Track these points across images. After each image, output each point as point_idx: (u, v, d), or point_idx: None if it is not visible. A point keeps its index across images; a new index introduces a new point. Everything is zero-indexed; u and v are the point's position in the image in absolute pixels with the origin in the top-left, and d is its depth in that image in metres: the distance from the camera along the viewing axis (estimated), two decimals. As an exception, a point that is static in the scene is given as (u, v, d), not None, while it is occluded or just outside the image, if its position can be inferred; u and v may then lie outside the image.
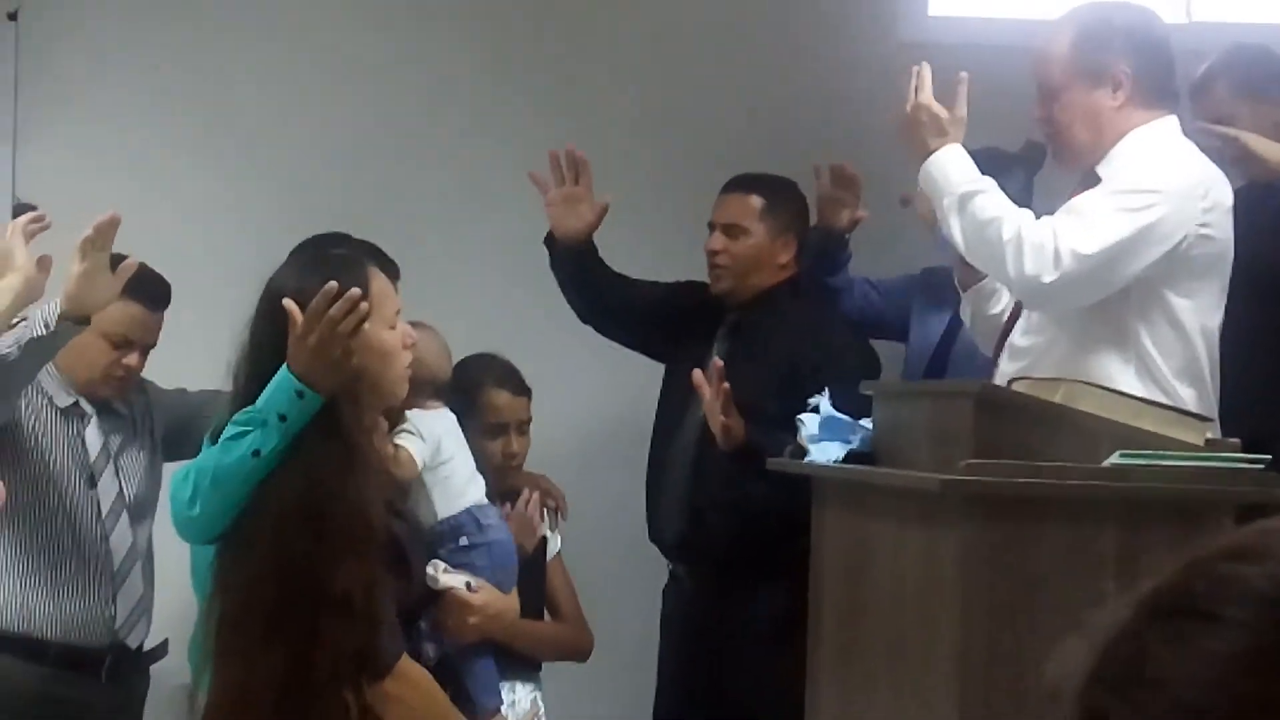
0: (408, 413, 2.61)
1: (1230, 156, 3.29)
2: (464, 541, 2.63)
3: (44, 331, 2.89)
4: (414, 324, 2.60)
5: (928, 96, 2.92)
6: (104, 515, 3.30)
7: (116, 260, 2.96)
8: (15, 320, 2.95)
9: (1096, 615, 0.81)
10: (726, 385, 3.29)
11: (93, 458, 3.31)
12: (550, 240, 3.71)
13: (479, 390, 3.42)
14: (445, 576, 2.54)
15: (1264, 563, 0.76)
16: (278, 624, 2.28)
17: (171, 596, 3.47)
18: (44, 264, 3.00)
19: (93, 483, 3.30)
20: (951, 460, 2.47)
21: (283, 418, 2.30)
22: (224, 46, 4.16)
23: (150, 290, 3.32)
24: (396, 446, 2.57)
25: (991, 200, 2.84)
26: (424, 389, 2.68)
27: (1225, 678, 0.73)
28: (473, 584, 2.55)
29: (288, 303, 2.33)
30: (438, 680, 2.54)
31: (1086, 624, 0.81)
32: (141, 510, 3.39)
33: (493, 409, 3.41)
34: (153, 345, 3.38)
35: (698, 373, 3.35)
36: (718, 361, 3.33)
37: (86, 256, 2.87)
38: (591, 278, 3.71)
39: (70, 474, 3.27)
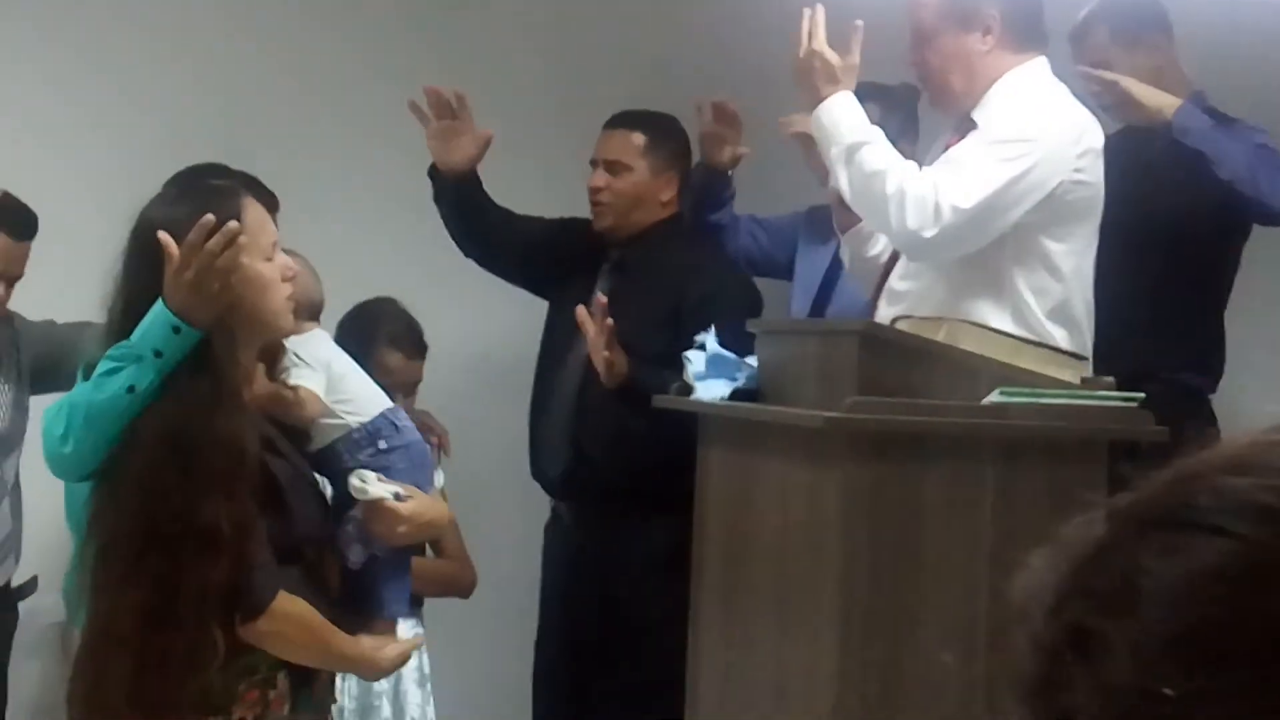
0: (289, 342, 2.56)
1: (1110, 101, 3.34)
2: (383, 445, 2.60)
3: None
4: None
5: (821, 43, 2.93)
6: None
7: None
8: None
9: (1065, 532, 0.79)
10: (610, 321, 3.29)
11: None
12: (434, 173, 3.67)
13: (371, 345, 3.38)
14: (374, 487, 2.52)
15: (1264, 474, 0.75)
16: (144, 559, 2.26)
17: (40, 532, 3.42)
18: None
19: None
20: (836, 398, 2.50)
21: (158, 353, 2.25)
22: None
23: (14, 219, 3.23)
24: (294, 387, 2.53)
25: (878, 152, 2.86)
26: (299, 312, 2.64)
27: (1228, 590, 0.72)
28: (401, 494, 2.53)
29: (163, 236, 2.27)
30: (353, 582, 2.54)
31: (1054, 541, 0.80)
32: (7, 445, 3.32)
33: (383, 369, 3.35)
34: (19, 277, 3.30)
35: (581, 309, 3.35)
36: (601, 298, 3.33)
37: None
38: (474, 211, 3.68)
39: None
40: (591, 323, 3.32)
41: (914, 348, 2.60)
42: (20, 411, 3.35)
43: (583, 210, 3.73)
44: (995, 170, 2.78)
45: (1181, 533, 0.75)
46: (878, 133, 2.90)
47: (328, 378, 2.59)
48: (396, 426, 2.64)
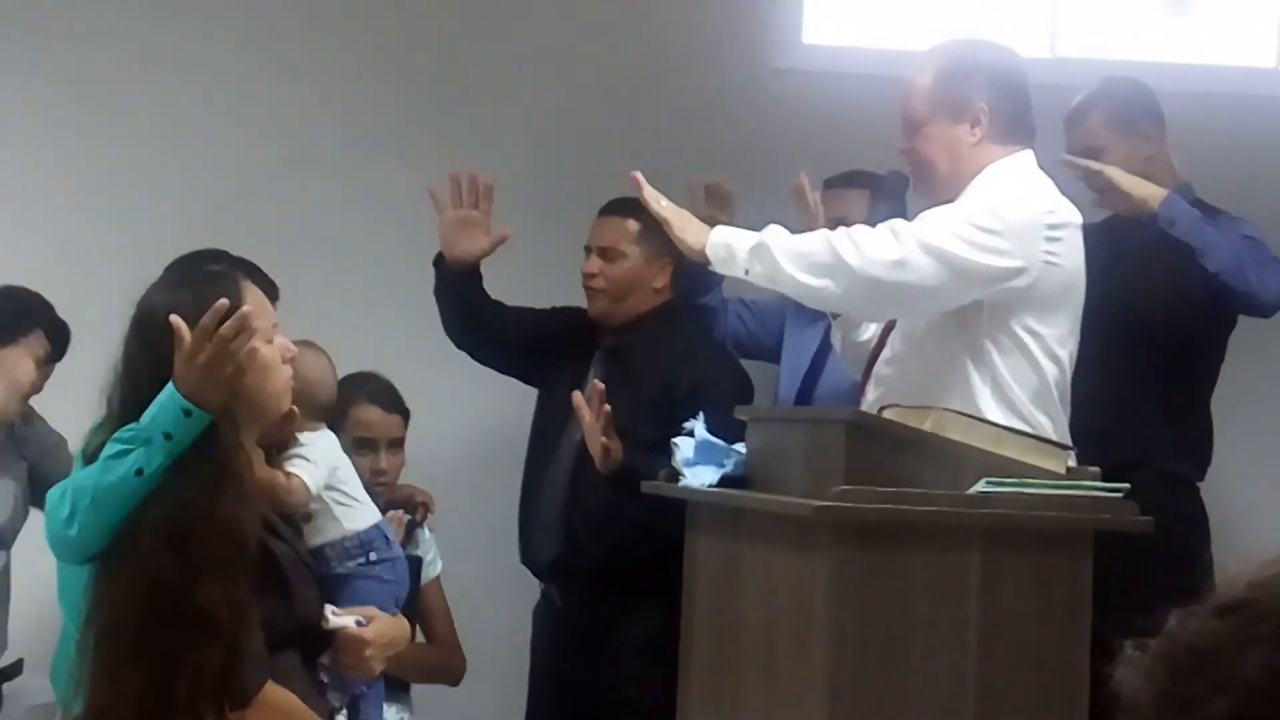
0: (300, 437, 2.60)
1: (1096, 189, 3.39)
2: (374, 556, 2.63)
3: None
4: (299, 343, 2.59)
5: (661, 203, 3.00)
6: None
7: None
8: None
9: (1168, 628, 0.85)
10: (607, 408, 3.31)
11: None
12: (439, 262, 3.70)
13: (348, 405, 3.41)
14: (334, 619, 2.54)
15: None
16: (141, 645, 2.26)
17: (24, 615, 3.42)
18: None
19: None
20: (824, 486, 2.51)
21: (169, 436, 2.27)
22: (102, 65, 4.10)
23: (61, 341, 3.33)
24: (289, 474, 2.55)
25: (786, 234, 2.89)
26: (309, 410, 2.67)
27: None
28: (362, 620, 2.55)
29: (175, 320, 2.30)
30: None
31: (1146, 641, 0.85)
32: (3, 539, 3.32)
33: (361, 424, 3.40)
34: (39, 392, 3.38)
35: (577, 395, 3.37)
36: (598, 384, 3.35)
37: None
38: (473, 304, 3.70)
39: None
40: (587, 409, 3.34)
41: (901, 436, 2.63)
42: (20, 507, 3.36)
43: (575, 297, 3.76)
44: (959, 224, 2.81)
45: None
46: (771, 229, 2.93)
47: (328, 474, 2.62)
48: (388, 540, 2.69)
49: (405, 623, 2.77)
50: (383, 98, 4.20)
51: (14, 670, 3.44)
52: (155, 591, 2.26)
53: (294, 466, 2.57)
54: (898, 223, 2.85)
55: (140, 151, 4.09)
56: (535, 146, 4.23)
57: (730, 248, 2.89)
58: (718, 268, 2.95)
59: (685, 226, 2.98)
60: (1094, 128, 3.52)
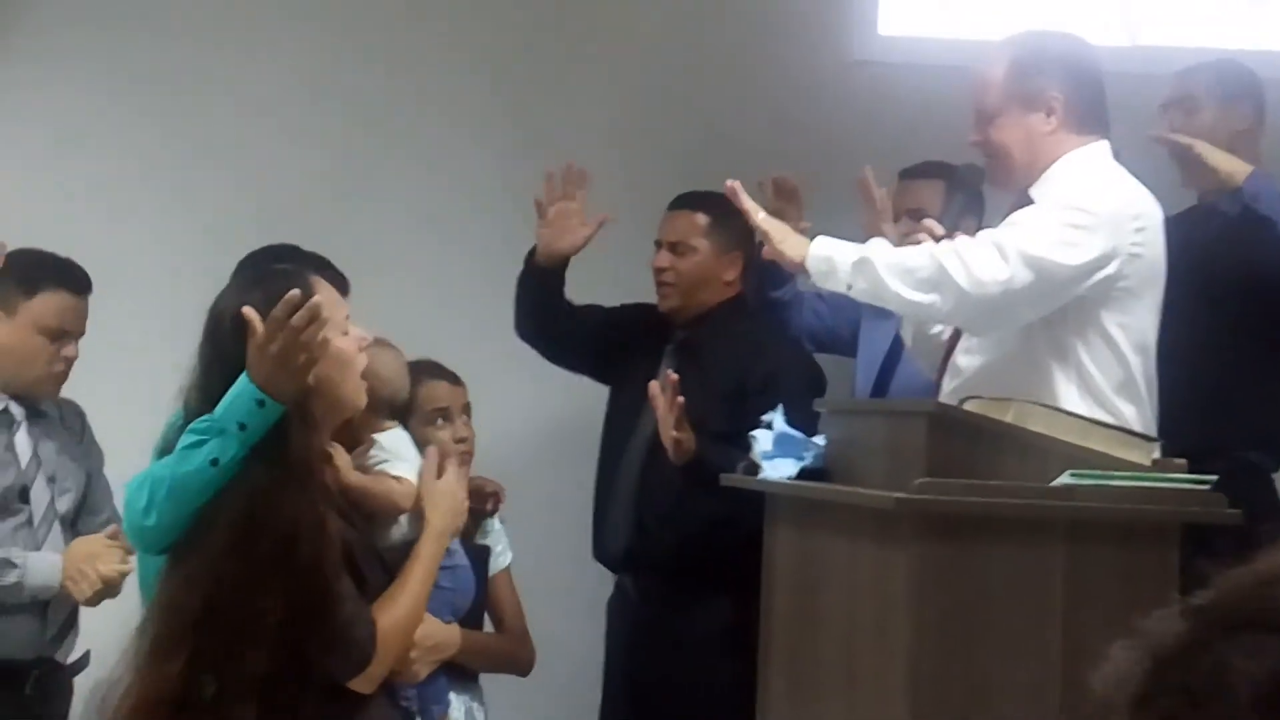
0: (377, 437, 2.60)
1: (1181, 161, 3.36)
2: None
3: None
4: (375, 341, 2.59)
5: (759, 215, 2.98)
6: (35, 526, 3.22)
7: None
8: None
9: (1145, 625, 0.84)
10: (681, 400, 3.29)
11: (24, 465, 3.22)
12: (530, 257, 3.70)
13: (415, 386, 3.41)
14: None
15: None
16: (189, 636, 2.27)
17: (101, 607, 3.43)
18: None
19: (25, 496, 3.21)
20: (904, 478, 2.49)
21: (242, 426, 2.28)
22: (182, 58, 4.13)
23: (70, 274, 3.27)
24: (398, 477, 2.56)
25: (890, 248, 2.86)
26: (382, 408, 2.67)
27: None
28: None
29: (248, 311, 2.32)
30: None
31: (1133, 634, 0.84)
32: (73, 520, 3.33)
33: (432, 398, 3.39)
34: (82, 332, 3.30)
35: (653, 385, 3.36)
36: (672, 375, 3.33)
37: None
38: (551, 301, 3.71)
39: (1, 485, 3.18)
40: (662, 399, 3.33)
41: (983, 428, 2.60)
42: (82, 485, 3.36)
43: (645, 293, 3.75)
44: (1056, 228, 2.78)
45: (1272, 635, 0.79)
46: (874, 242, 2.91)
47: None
48: (450, 550, 2.69)
49: (456, 632, 2.77)
50: (467, 89, 4.21)
51: (82, 663, 3.46)
52: (217, 588, 2.28)
53: (395, 470, 2.58)
54: (999, 236, 2.80)
55: (216, 146, 4.12)
56: (614, 141, 4.22)
57: (832, 261, 2.86)
58: (819, 281, 2.91)
59: (784, 239, 2.95)
60: (1196, 84, 3.53)
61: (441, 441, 3.09)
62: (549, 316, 3.73)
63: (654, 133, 4.22)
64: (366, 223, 4.10)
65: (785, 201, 3.71)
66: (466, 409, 3.46)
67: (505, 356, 3.90)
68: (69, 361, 3.27)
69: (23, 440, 3.23)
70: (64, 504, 3.28)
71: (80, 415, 3.41)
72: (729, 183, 2.98)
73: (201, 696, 2.25)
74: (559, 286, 3.70)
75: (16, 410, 3.25)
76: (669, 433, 3.32)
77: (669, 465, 3.37)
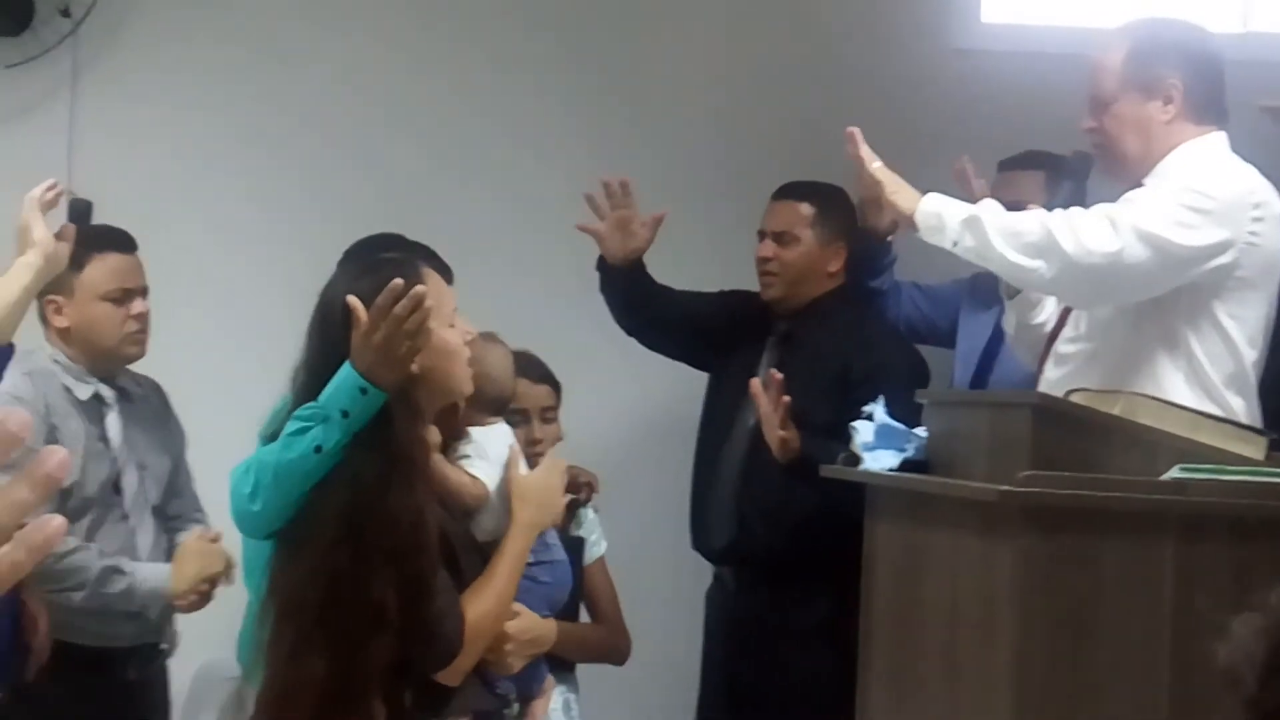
0: (473, 431, 2.61)
1: None
2: (531, 558, 2.64)
3: None
4: (483, 335, 2.60)
5: (875, 165, 2.96)
6: (128, 512, 3.23)
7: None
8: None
9: (1271, 600, 0.85)
10: (786, 398, 3.26)
11: (116, 455, 3.22)
12: (601, 264, 3.70)
13: None
14: None
15: None
16: (319, 630, 2.29)
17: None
18: (65, 234, 3.02)
19: (117, 487, 3.21)
20: (1008, 470, 2.46)
21: (345, 413, 2.30)
22: (282, 45, 4.17)
23: (115, 237, 3.28)
24: (474, 477, 2.57)
25: (1001, 210, 2.83)
26: (488, 404, 2.67)
27: None
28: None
29: (352, 300, 2.33)
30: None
31: (1257, 608, 0.84)
32: (164, 504, 3.32)
33: (515, 398, 3.37)
34: (145, 286, 3.29)
35: (755, 383, 3.34)
36: (776, 374, 3.29)
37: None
38: (640, 297, 3.71)
39: (93, 473, 3.16)
40: (765, 397, 3.30)
41: (1089, 420, 2.56)
42: (170, 468, 3.36)
43: (749, 281, 3.73)
44: (1174, 208, 2.75)
45: None
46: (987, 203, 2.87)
47: (500, 476, 2.63)
48: (547, 544, 2.69)
49: (553, 626, 2.78)
50: (566, 77, 4.21)
51: (173, 645, 3.47)
52: (330, 580, 2.30)
53: (474, 468, 2.58)
54: (1112, 209, 2.77)
55: (310, 133, 4.15)
56: (715, 129, 4.21)
57: (941, 217, 2.85)
58: (925, 235, 2.89)
59: (898, 190, 2.94)
60: None
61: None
62: (641, 311, 3.73)
63: (756, 122, 4.20)
64: (467, 212, 4.12)
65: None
66: (549, 410, 3.45)
67: (602, 346, 3.90)
68: (142, 319, 3.26)
69: (114, 427, 3.23)
70: (153, 493, 3.29)
71: (161, 394, 3.42)
72: (849, 129, 2.96)
73: (335, 689, 2.27)
74: (642, 279, 3.69)
75: (107, 393, 3.24)
76: (774, 431, 3.29)
77: (771, 460, 3.35)
